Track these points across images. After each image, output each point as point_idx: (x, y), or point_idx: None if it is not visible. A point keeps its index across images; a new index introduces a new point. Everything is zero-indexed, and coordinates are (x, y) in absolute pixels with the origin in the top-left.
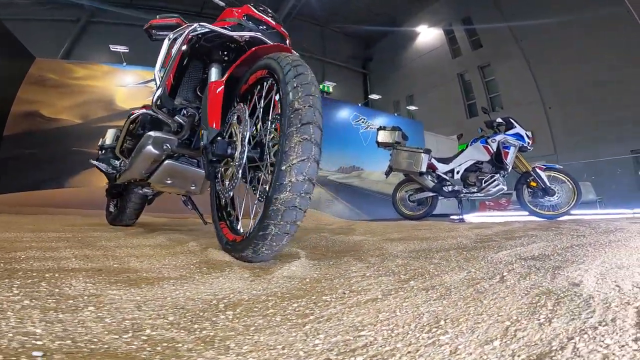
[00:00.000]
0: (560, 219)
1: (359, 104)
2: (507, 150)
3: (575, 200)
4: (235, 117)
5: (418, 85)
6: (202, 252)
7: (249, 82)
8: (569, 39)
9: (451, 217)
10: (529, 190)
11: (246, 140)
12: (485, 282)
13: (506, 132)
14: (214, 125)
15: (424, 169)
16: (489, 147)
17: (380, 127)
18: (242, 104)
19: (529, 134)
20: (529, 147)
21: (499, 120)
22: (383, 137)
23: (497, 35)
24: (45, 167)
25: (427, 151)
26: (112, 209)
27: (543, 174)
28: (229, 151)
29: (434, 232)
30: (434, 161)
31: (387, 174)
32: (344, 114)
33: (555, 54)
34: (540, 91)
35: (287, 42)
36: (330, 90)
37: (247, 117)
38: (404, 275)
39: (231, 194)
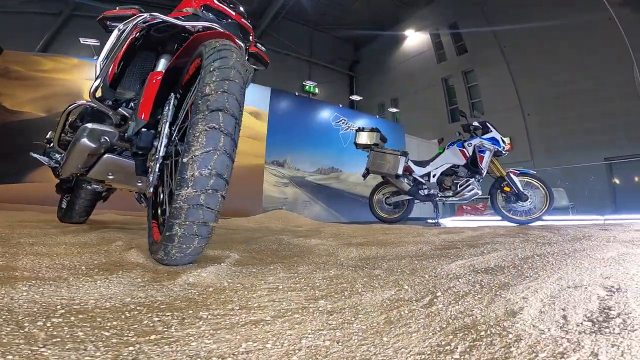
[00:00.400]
0: (532, 224)
1: (340, 105)
2: (482, 154)
3: (547, 206)
4: (167, 108)
5: (403, 88)
6: (120, 252)
7: (189, 72)
8: (549, 46)
9: (427, 220)
10: (503, 195)
11: (165, 132)
12: (408, 305)
13: (482, 136)
14: (143, 116)
15: (400, 171)
16: (465, 150)
17: (359, 128)
18: (172, 94)
19: (506, 139)
20: (504, 152)
21: (476, 124)
22: (361, 138)
23: (482, 41)
24: (3, 161)
25: (404, 154)
26: (64, 205)
27: (517, 179)
28: (155, 143)
29: (400, 236)
30: (410, 164)
31: (365, 176)
32: (325, 114)
33: (535, 61)
34: (519, 97)
35: (250, 34)
36: (316, 91)
37: (170, 108)
38: (321, 291)
39: (151, 189)
